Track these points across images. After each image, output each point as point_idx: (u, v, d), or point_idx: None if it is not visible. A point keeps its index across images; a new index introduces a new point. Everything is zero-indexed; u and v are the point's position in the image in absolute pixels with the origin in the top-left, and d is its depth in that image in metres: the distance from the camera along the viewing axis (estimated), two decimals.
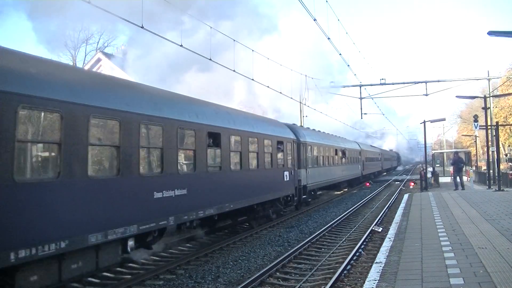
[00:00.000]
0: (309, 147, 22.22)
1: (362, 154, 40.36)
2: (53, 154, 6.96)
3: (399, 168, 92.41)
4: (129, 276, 9.51)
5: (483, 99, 27.70)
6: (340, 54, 22.62)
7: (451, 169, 27.43)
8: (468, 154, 40.59)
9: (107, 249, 8.00)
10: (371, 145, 54.13)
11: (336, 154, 29.03)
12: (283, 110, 37.66)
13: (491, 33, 13.80)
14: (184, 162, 10.87)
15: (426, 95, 33.48)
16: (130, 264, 10.56)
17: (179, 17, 17.20)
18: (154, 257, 11.39)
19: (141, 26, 12.38)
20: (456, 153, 28.54)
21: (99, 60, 35.49)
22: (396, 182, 42.72)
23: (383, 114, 46.95)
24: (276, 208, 17.38)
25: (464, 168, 27.49)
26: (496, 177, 27.22)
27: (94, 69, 32.46)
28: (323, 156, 25.32)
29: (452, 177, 26.14)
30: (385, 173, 63.11)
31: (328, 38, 19.64)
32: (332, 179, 27.47)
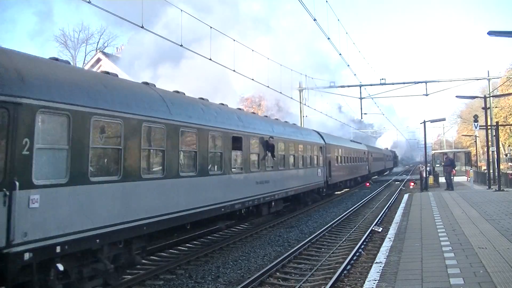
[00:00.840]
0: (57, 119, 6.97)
1: (328, 152, 25.75)
2: None
3: (397, 169, 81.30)
4: (129, 276, 9.49)
5: (483, 99, 27.70)
6: (340, 54, 22.65)
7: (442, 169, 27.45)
8: (468, 154, 40.64)
9: None
10: (351, 140, 38.96)
11: (239, 147, 13.61)
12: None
13: (491, 33, 13.82)
14: None
15: (426, 95, 33.50)
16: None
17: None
18: (154, 257, 11.38)
19: (141, 26, 12.40)
20: (446, 154, 28.97)
21: (99, 60, 35.48)
22: (396, 182, 42.72)
23: (383, 114, 47.04)
24: None
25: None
26: (496, 177, 27.25)
27: (94, 69, 32.46)
28: (163, 151, 9.61)
29: (446, 178, 26.44)
30: (375, 177, 50.45)
31: (328, 38, 19.68)
32: (207, 205, 11.26)
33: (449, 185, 25.46)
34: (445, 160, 27.63)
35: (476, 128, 28.37)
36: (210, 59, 15.33)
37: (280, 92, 22.83)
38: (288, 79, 24.78)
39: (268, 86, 20.91)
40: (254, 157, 14.84)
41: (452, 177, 26.13)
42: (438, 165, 37.56)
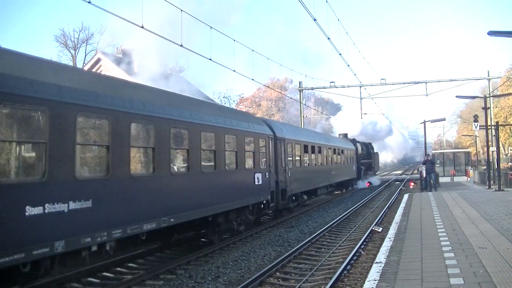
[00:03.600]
0: None
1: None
2: None
3: (362, 182, 36.45)
4: (129, 276, 9.51)
5: (483, 99, 27.72)
6: (340, 54, 22.65)
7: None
8: (468, 154, 40.70)
9: None
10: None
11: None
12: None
13: (491, 33, 13.82)
14: None
15: (426, 95, 33.54)
16: (130, 264, 10.57)
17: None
18: (154, 257, 11.39)
19: (141, 26, 12.41)
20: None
21: (99, 60, 35.44)
22: (396, 182, 42.68)
23: (383, 114, 46.95)
24: None
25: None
26: (496, 177, 27.25)
27: (94, 70, 32.47)
28: None
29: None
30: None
31: (328, 38, 19.69)
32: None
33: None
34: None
35: (476, 128, 28.37)
36: (210, 59, 15.35)
37: (280, 92, 22.81)
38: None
39: (268, 86, 20.89)
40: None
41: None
42: (438, 165, 37.61)
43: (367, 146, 41.34)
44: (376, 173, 45.49)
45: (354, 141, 37.28)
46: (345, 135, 37.87)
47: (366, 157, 39.37)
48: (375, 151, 44.29)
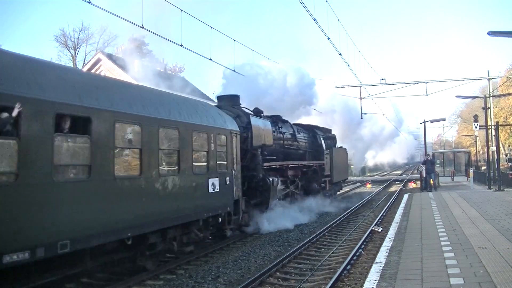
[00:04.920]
0: None
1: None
2: None
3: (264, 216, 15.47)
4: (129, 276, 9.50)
5: (483, 99, 27.71)
6: (340, 54, 22.61)
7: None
8: (468, 154, 40.70)
9: None
10: None
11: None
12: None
13: (491, 33, 13.83)
14: None
15: (426, 95, 33.48)
16: (130, 264, 10.56)
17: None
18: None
19: (141, 26, 12.41)
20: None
21: (99, 60, 35.41)
22: (396, 182, 42.69)
23: (383, 114, 46.86)
24: None
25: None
26: (496, 177, 27.24)
27: (94, 70, 32.49)
28: None
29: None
30: None
31: (328, 38, 19.64)
32: None
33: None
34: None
35: (476, 128, 28.36)
36: (210, 59, 15.35)
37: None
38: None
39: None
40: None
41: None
42: (438, 165, 37.61)
43: (312, 135, 22.03)
44: (337, 184, 26.07)
45: (248, 115, 15.08)
46: (231, 98, 15.81)
47: (313, 154, 21.35)
48: (337, 144, 26.63)
